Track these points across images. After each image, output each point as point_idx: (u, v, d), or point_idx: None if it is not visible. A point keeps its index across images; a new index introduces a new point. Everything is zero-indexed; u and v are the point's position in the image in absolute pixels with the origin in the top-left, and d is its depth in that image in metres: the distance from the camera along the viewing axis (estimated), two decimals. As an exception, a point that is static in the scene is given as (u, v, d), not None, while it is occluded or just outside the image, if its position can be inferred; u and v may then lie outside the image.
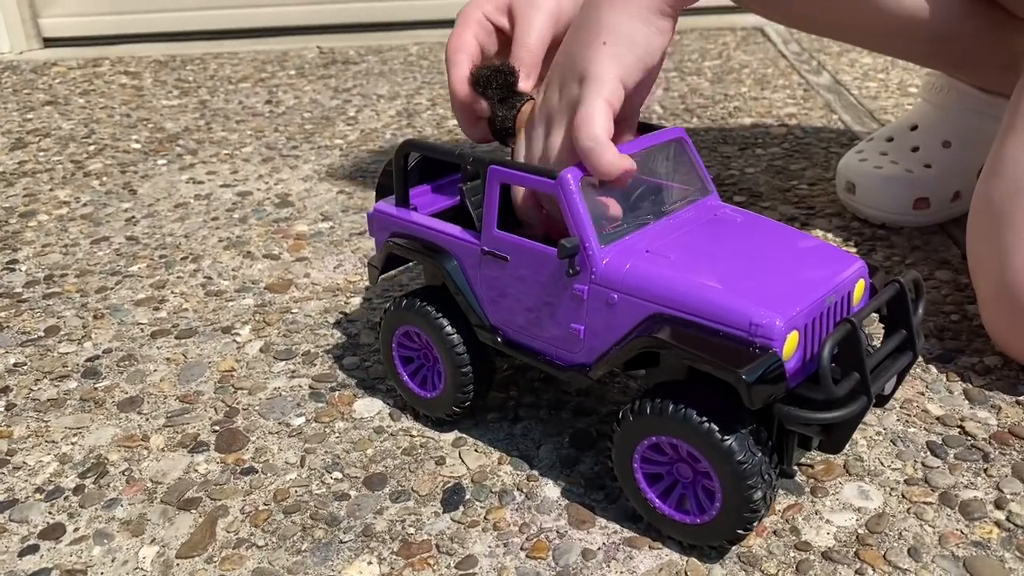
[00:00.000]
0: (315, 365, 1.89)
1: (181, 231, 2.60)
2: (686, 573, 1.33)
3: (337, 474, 1.56)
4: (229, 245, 2.49)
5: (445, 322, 1.60)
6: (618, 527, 1.42)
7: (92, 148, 3.41)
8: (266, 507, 1.48)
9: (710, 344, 1.28)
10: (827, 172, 2.86)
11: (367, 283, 2.23)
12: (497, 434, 1.65)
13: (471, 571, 1.34)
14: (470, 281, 1.57)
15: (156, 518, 1.47)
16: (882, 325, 1.44)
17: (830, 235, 2.39)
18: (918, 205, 2.39)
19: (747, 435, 1.28)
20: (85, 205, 2.83)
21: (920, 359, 1.80)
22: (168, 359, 1.94)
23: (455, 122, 3.54)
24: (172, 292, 2.24)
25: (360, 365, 1.88)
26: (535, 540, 1.39)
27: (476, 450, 1.61)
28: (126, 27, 5.27)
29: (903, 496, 1.47)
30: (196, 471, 1.58)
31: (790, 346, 1.28)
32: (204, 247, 2.49)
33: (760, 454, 1.28)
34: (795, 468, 1.53)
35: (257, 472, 1.57)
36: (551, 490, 1.50)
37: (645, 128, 1.65)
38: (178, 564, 1.37)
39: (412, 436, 1.65)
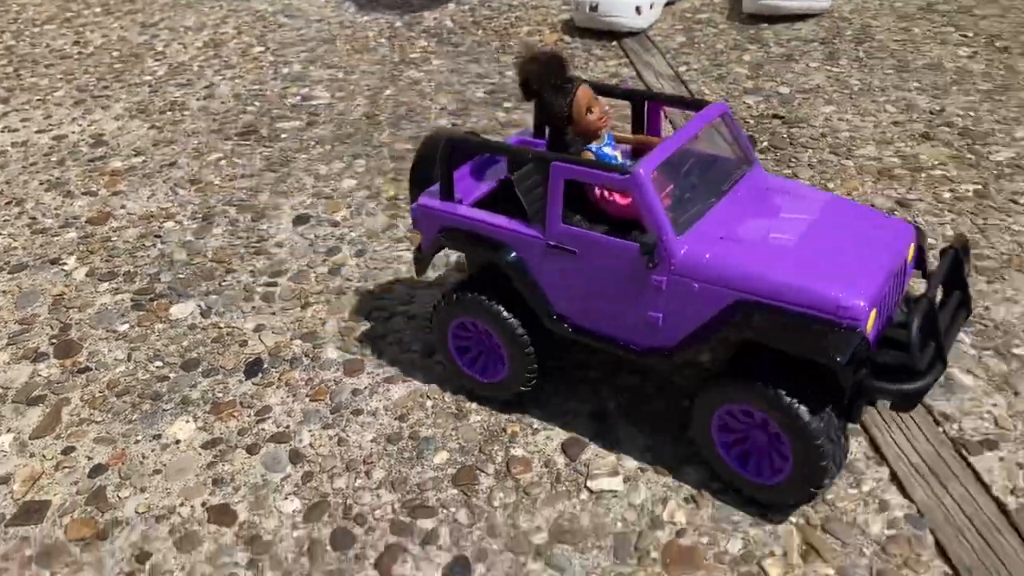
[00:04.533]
0: (135, 282, 2.23)
1: (2, 178, 2.83)
2: (428, 395, 1.80)
3: (158, 363, 1.94)
4: (50, 187, 2.74)
5: (507, 313, 1.64)
6: (381, 371, 1.87)
7: (-100, 105, 3.50)
8: (101, 394, 1.86)
9: (799, 329, 1.35)
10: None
11: (177, 208, 2.55)
12: (285, 319, 2.06)
13: (267, 416, 1.77)
14: (532, 272, 1.61)
15: (9, 414, 1.82)
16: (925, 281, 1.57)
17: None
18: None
19: (822, 409, 1.38)
20: (-97, 163, 2.99)
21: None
22: (4, 292, 2.23)
23: (263, 51, 3.78)
24: (0, 234, 2.50)
25: (175, 279, 2.23)
26: (317, 388, 1.83)
27: (273, 332, 2.02)
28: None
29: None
30: (39, 376, 1.93)
31: (871, 322, 1.38)
32: (26, 191, 2.73)
33: (832, 422, 1.40)
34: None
35: (92, 370, 1.93)
36: (332, 352, 1.94)
37: (688, 104, 1.72)
38: (32, 443, 1.74)
39: (220, 328, 2.04)
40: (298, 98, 3.28)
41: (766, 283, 1.39)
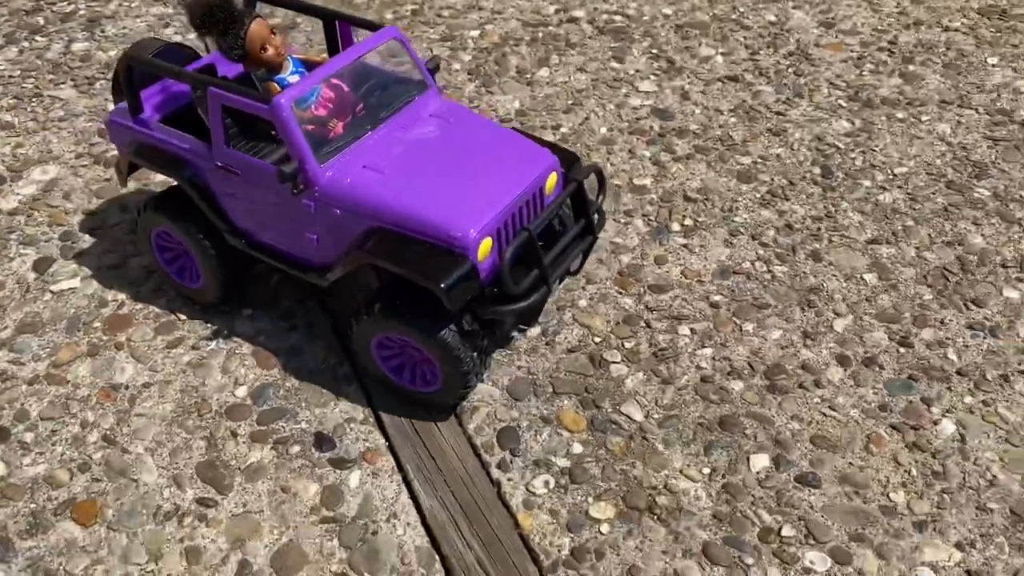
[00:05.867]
0: None
1: None
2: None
3: None
4: None
5: (194, 227, 1.72)
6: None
7: None
8: None
9: (415, 256, 1.48)
10: None
11: None
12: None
13: None
14: (211, 190, 1.69)
15: None
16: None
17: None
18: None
19: (454, 329, 1.54)
20: None
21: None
22: None
23: None
24: None
25: None
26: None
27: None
28: None
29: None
30: None
31: (484, 250, 1.50)
32: None
33: (468, 340, 1.56)
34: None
35: None
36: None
37: (365, 25, 1.75)
38: None
39: None
40: None
41: (394, 212, 1.52)
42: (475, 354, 1.60)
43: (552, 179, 1.66)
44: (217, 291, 1.81)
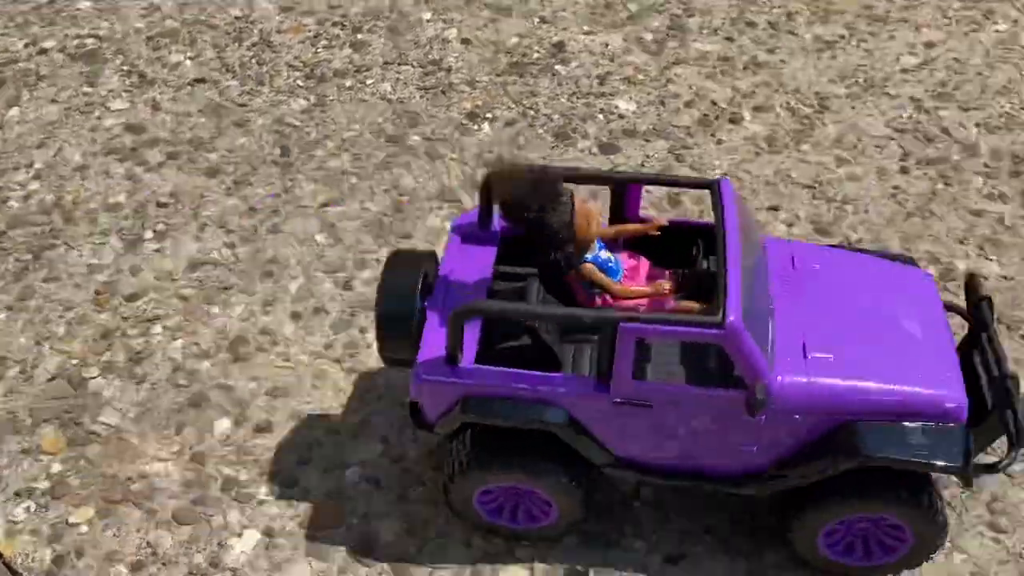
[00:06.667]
0: None
1: None
2: None
3: None
4: None
5: (561, 471, 1.46)
6: None
7: None
8: None
9: (912, 441, 1.35)
10: None
11: None
12: None
13: None
14: (584, 424, 1.43)
15: None
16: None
17: None
18: None
19: (934, 494, 1.42)
20: None
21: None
22: None
23: None
24: None
25: None
26: None
27: None
28: None
29: None
30: None
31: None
32: None
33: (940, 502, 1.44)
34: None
35: None
36: None
37: (684, 184, 1.54)
38: None
39: None
40: None
41: (871, 404, 1.38)
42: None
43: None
44: (568, 525, 1.58)
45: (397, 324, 1.48)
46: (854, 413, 1.38)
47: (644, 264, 1.58)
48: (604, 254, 1.52)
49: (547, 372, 1.43)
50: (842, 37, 2.90)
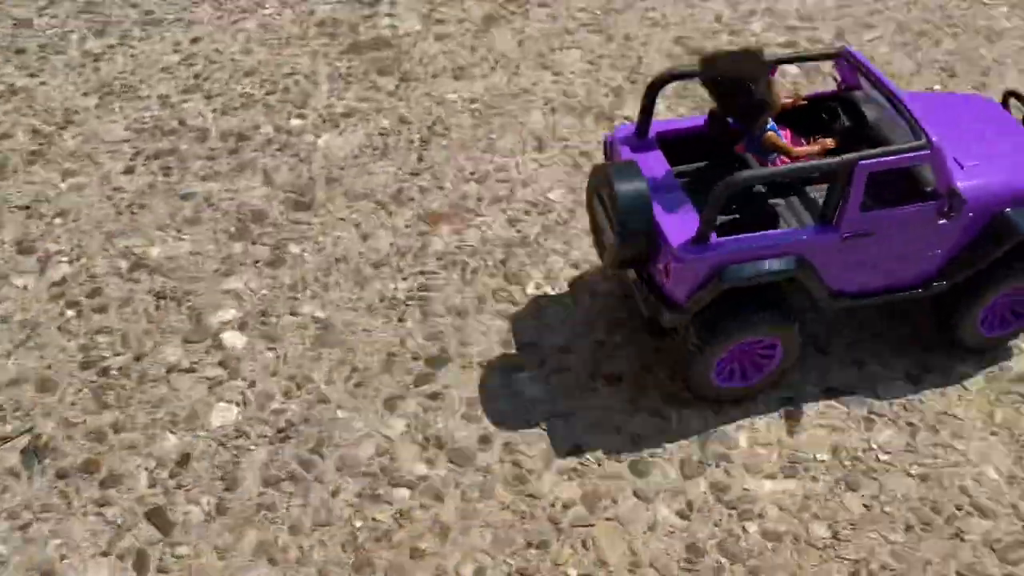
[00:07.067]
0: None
1: None
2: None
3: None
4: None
5: (781, 313, 1.69)
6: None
7: None
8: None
9: None
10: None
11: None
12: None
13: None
14: (813, 265, 1.67)
15: None
16: None
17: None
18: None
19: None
20: None
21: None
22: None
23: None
24: None
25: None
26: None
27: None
28: None
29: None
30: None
31: None
32: None
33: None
34: None
35: None
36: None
37: (812, 58, 1.81)
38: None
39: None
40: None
41: (1018, 190, 1.72)
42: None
43: None
44: (796, 352, 1.81)
45: (637, 220, 1.60)
46: (1006, 203, 1.74)
47: (787, 132, 1.85)
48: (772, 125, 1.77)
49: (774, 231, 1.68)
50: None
